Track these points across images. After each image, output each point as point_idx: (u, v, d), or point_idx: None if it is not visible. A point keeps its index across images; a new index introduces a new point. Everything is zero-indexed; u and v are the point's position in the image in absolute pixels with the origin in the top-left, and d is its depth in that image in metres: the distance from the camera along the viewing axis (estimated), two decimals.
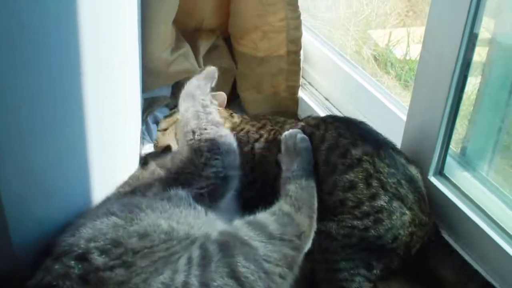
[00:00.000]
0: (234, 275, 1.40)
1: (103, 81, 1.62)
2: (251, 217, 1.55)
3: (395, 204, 1.61)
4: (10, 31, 1.36)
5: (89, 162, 1.65)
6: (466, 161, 1.82)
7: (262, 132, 1.85)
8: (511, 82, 1.72)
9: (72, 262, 1.42)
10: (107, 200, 1.69)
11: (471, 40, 1.62)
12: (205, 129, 1.75)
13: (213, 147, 1.71)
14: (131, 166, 1.86)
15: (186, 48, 2.12)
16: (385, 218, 1.60)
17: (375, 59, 2.56)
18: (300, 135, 1.70)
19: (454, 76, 1.65)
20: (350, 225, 1.61)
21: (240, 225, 1.52)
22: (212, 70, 1.97)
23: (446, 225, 1.75)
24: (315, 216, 1.58)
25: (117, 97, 1.72)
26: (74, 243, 1.47)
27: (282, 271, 1.46)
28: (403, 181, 1.64)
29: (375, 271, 1.62)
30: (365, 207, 1.61)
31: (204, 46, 2.22)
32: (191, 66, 2.15)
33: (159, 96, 2.28)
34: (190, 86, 1.90)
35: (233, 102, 2.34)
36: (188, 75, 2.17)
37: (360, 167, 1.64)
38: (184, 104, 1.85)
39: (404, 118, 2.01)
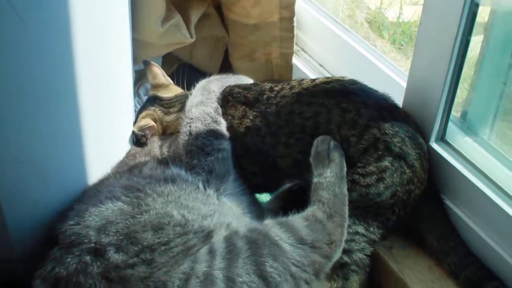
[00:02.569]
0: (261, 274, 1.39)
1: (96, 57, 1.58)
2: (283, 218, 1.54)
3: (397, 164, 1.63)
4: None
5: (84, 141, 1.62)
6: (467, 125, 1.79)
7: (246, 122, 1.78)
8: None
9: (88, 257, 1.41)
10: (106, 181, 1.65)
11: (473, 4, 1.58)
12: (203, 137, 1.72)
13: (202, 158, 1.70)
14: (126, 141, 1.82)
15: (177, 18, 2.07)
16: (387, 177, 1.62)
17: (368, 23, 2.51)
18: (334, 142, 1.66)
19: (457, 40, 1.61)
20: (351, 179, 1.63)
21: (271, 225, 1.51)
22: (243, 78, 1.96)
23: (449, 191, 1.73)
24: (346, 225, 1.57)
25: (110, 72, 1.68)
26: (83, 234, 1.45)
27: (309, 278, 1.46)
28: (406, 138, 1.65)
29: (372, 229, 1.65)
30: (371, 167, 1.63)
31: (195, 15, 2.17)
32: (183, 37, 2.10)
33: None
34: (214, 81, 1.89)
35: (226, 71, 2.29)
36: (180, 46, 2.14)
37: (368, 133, 1.64)
38: (198, 93, 1.83)
39: (400, 81, 2.00)
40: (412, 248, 1.75)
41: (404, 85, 1.96)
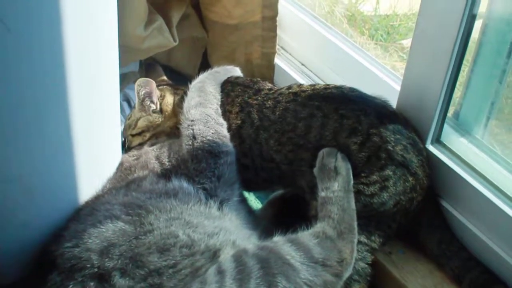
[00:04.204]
0: None
1: (86, 67, 1.50)
2: (292, 236, 1.49)
3: (400, 172, 1.60)
4: None
5: (74, 154, 1.55)
6: (460, 125, 1.78)
7: (242, 115, 1.75)
8: (509, 45, 1.65)
9: (92, 283, 1.34)
10: (102, 198, 1.57)
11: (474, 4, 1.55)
12: (209, 140, 1.66)
13: (211, 161, 1.64)
14: (115, 154, 1.75)
15: (160, 21, 2.00)
16: (390, 185, 1.59)
17: (347, 19, 2.47)
18: (341, 154, 1.61)
19: (457, 42, 1.58)
20: (356, 190, 1.60)
21: (282, 243, 1.45)
22: (231, 69, 1.91)
23: (446, 194, 1.72)
24: (356, 240, 1.53)
25: (100, 83, 1.60)
26: (84, 258, 1.39)
27: None
28: (408, 146, 1.63)
29: (373, 238, 1.62)
30: (374, 176, 1.60)
31: (175, 16, 2.10)
32: (166, 40, 2.03)
33: (128, 72, 2.16)
34: (207, 81, 1.82)
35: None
36: (162, 50, 2.07)
37: (369, 141, 1.61)
38: (194, 95, 1.77)
39: (384, 77, 1.99)
40: (411, 252, 1.73)
41: (388, 81, 1.96)
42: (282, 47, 2.31)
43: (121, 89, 2.13)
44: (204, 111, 1.72)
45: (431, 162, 1.70)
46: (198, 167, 1.62)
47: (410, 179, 1.61)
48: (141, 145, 1.86)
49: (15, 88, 1.35)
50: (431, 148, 1.73)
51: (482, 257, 1.64)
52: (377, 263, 1.68)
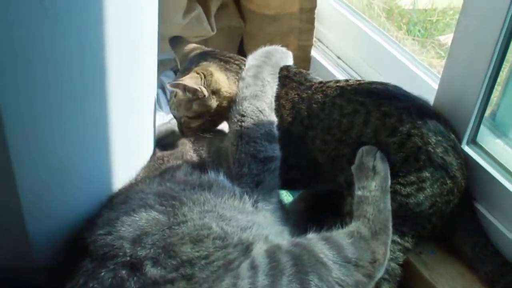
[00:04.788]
0: None
1: (125, 53, 1.49)
2: (326, 234, 1.47)
3: (438, 174, 1.58)
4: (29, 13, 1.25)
5: (108, 141, 1.53)
6: (496, 127, 1.76)
7: (293, 113, 1.72)
8: None
9: (124, 272, 1.34)
10: (136, 187, 1.57)
11: None
12: (256, 142, 1.61)
13: (254, 166, 1.61)
14: (150, 142, 1.75)
15: (198, 11, 2.00)
16: (427, 187, 1.58)
17: (386, 13, 2.44)
18: (380, 153, 1.59)
19: (499, 41, 1.55)
20: (392, 189, 1.58)
21: (316, 240, 1.44)
22: (285, 52, 1.85)
23: (481, 197, 1.69)
24: (389, 242, 1.51)
25: (138, 68, 1.59)
26: (117, 246, 1.39)
27: None
28: (449, 148, 1.61)
29: (406, 238, 1.60)
30: (411, 177, 1.58)
31: (214, 5, 2.10)
32: (204, 29, 2.03)
33: (164, 60, 2.15)
34: (265, 67, 1.74)
35: None
36: (200, 39, 2.07)
37: (410, 142, 1.59)
38: (251, 81, 1.70)
39: (420, 73, 1.97)
40: (442, 253, 1.71)
41: (425, 78, 1.95)
42: (318, 39, 2.30)
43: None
44: (257, 105, 1.65)
45: (467, 163, 1.68)
46: (239, 172, 1.60)
47: (448, 181, 1.59)
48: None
49: (51, 67, 1.33)
50: (466, 148, 1.71)
51: None
52: (407, 263, 1.65)
